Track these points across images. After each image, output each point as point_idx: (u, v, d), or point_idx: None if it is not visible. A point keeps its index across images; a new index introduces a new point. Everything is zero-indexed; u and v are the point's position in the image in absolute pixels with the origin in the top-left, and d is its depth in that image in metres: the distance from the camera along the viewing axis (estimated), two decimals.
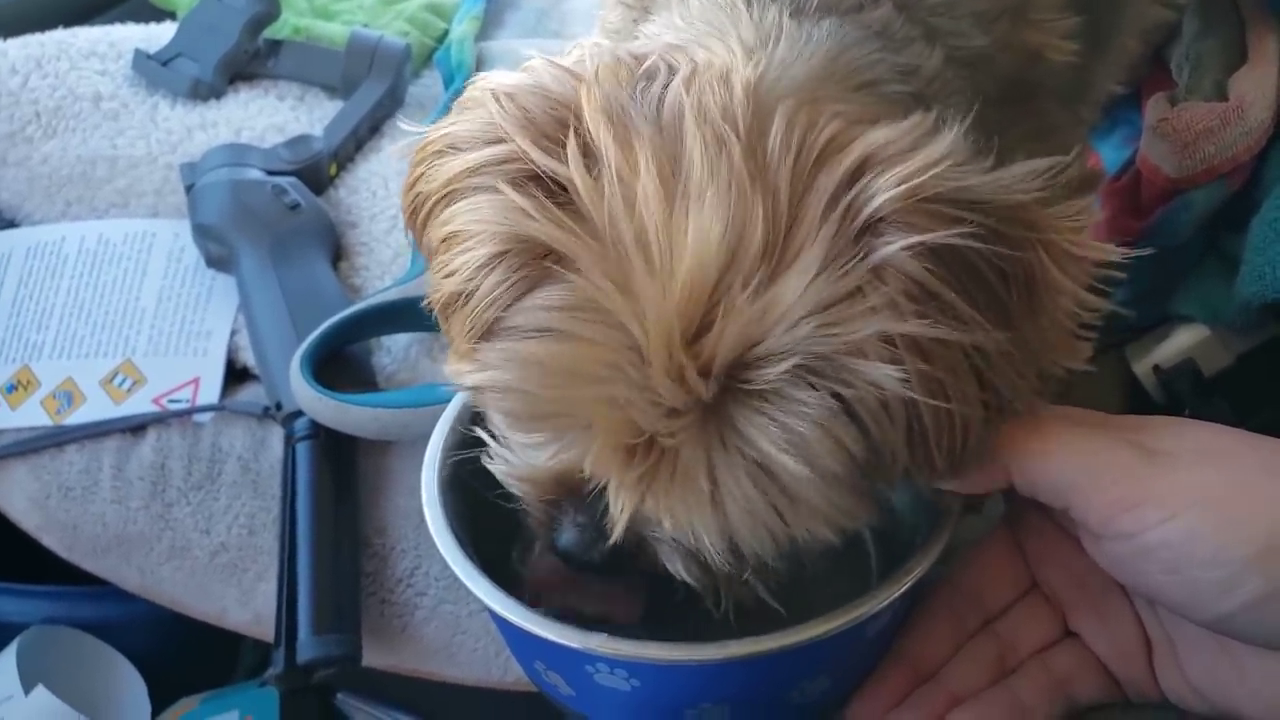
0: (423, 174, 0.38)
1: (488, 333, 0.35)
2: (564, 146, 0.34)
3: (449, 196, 0.36)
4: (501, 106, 0.36)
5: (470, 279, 0.35)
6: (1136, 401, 0.61)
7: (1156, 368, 0.60)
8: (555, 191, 0.34)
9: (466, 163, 0.36)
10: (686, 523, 0.35)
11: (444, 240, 0.37)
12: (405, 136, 0.40)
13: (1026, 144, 0.35)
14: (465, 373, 0.36)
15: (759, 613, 0.39)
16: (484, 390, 0.36)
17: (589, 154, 0.34)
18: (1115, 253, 0.36)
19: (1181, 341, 0.60)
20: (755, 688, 0.39)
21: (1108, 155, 0.67)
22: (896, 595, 0.38)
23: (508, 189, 0.34)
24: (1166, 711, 0.41)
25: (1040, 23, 0.44)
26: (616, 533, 0.36)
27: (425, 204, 0.38)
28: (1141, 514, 0.36)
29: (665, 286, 0.32)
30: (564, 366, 0.34)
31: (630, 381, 0.33)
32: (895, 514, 0.46)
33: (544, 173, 0.34)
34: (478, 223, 0.35)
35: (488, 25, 0.80)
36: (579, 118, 0.35)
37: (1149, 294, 0.62)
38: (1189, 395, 0.59)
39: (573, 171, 0.34)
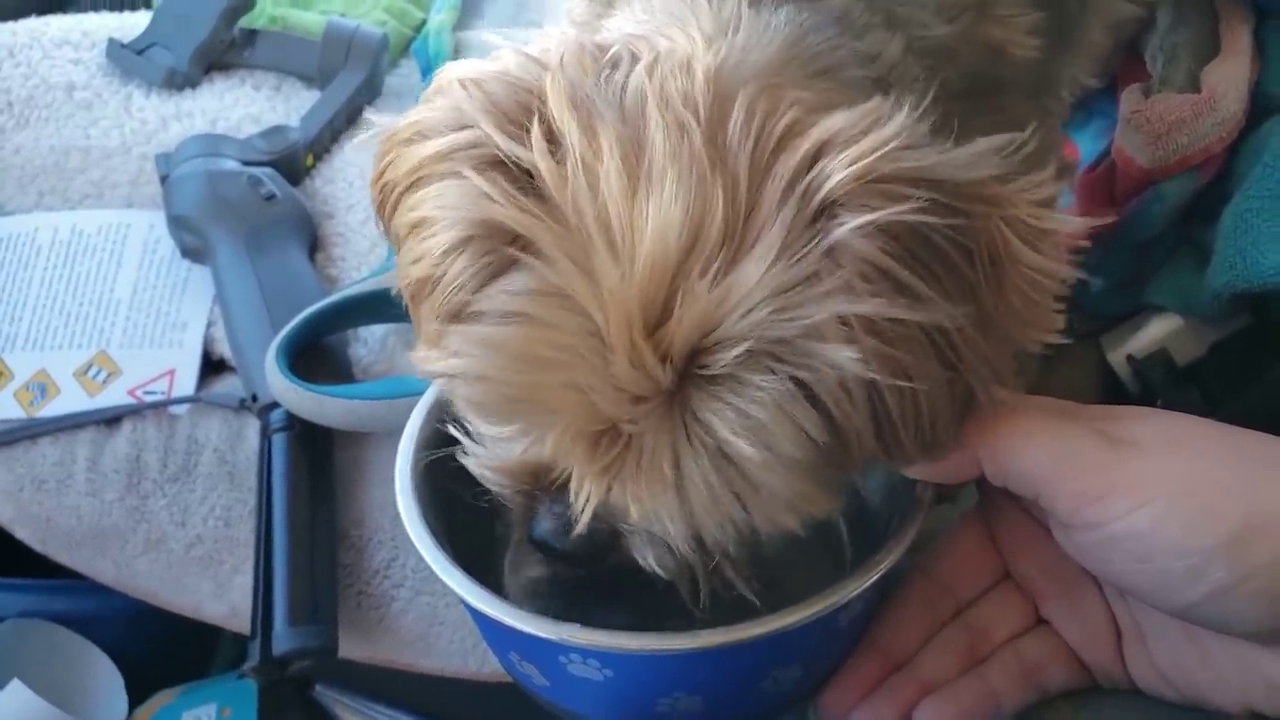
0: (390, 163, 0.38)
1: (454, 319, 0.35)
2: (528, 132, 0.34)
3: (416, 183, 0.36)
4: (468, 93, 0.36)
5: (437, 264, 0.35)
6: (1111, 391, 0.62)
7: (1130, 357, 0.61)
8: (520, 177, 0.35)
9: (434, 148, 0.36)
10: (652, 512, 0.35)
11: (411, 227, 0.37)
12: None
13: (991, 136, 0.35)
14: (432, 360, 0.36)
15: (734, 604, 0.39)
16: (450, 378, 0.36)
17: (553, 139, 0.34)
18: (1078, 223, 0.36)
19: (1155, 331, 0.61)
20: (728, 677, 0.39)
21: (1083, 147, 0.68)
22: (868, 584, 0.38)
23: (472, 174, 0.35)
24: (1136, 698, 0.42)
25: (1003, 18, 0.44)
26: (582, 523, 0.36)
27: (392, 192, 0.38)
28: (1109, 504, 0.36)
29: (626, 271, 0.33)
30: (527, 352, 0.34)
31: (592, 367, 0.33)
32: (868, 504, 0.46)
33: (508, 158, 0.35)
34: (443, 208, 0.35)
35: (466, 15, 0.80)
36: (544, 104, 0.35)
37: (1123, 284, 0.63)
38: (1162, 385, 0.60)
39: (536, 157, 0.34)
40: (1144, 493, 0.36)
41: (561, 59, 0.36)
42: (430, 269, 0.36)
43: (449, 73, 0.37)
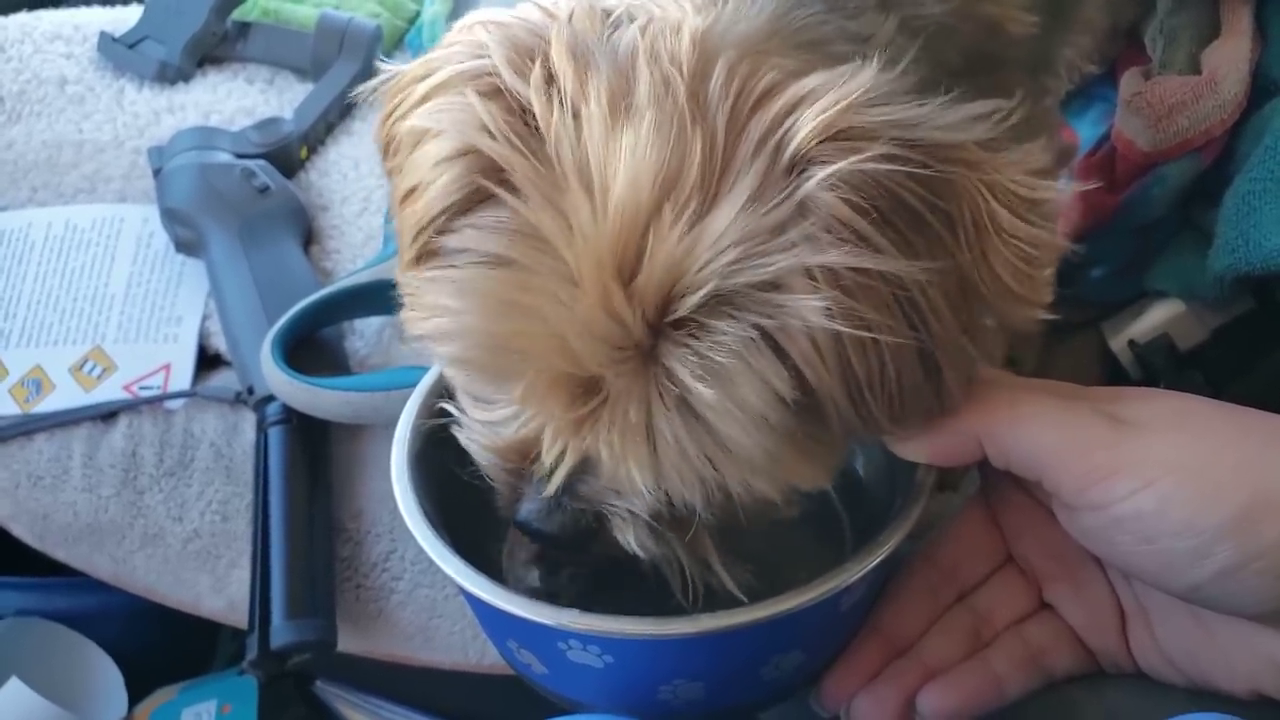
0: (401, 100, 0.38)
1: (431, 254, 0.36)
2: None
3: (422, 102, 0.37)
4: (489, 32, 0.37)
5: (426, 172, 0.36)
6: (1113, 377, 0.61)
7: (1132, 343, 0.61)
8: (516, 111, 0.35)
9: (446, 74, 0.36)
10: (621, 463, 0.34)
11: (408, 141, 0.37)
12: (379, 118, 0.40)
13: None
14: (415, 321, 0.36)
15: (729, 595, 0.39)
16: (432, 339, 0.36)
17: (550, 81, 0.35)
18: (1067, 192, 0.36)
19: (1157, 316, 0.60)
20: (729, 662, 0.38)
21: (1083, 132, 0.67)
22: (869, 568, 0.38)
23: (474, 98, 0.35)
24: (1140, 683, 0.41)
25: None
26: (556, 480, 0.36)
27: (401, 125, 0.38)
28: (1114, 484, 0.36)
29: (598, 213, 0.33)
30: (503, 297, 0.34)
31: (565, 312, 0.33)
32: (868, 489, 0.46)
33: (508, 90, 0.35)
34: (441, 122, 0.36)
35: (459, 7, 0.79)
36: (549, 48, 0.35)
37: (1125, 269, 0.62)
38: (1164, 370, 0.60)
39: (532, 92, 0.34)
40: (1149, 473, 0.35)
41: (571, 14, 0.36)
42: (419, 177, 0.36)
43: (473, 18, 0.38)
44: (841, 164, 0.32)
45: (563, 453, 0.35)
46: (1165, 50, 0.61)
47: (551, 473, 0.36)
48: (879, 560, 0.38)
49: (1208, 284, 0.56)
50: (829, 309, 0.32)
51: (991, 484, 0.43)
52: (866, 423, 0.35)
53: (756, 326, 0.32)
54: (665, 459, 0.34)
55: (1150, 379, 0.60)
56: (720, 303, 0.32)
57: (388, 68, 0.40)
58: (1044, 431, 0.37)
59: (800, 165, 0.33)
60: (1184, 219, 0.61)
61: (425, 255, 0.36)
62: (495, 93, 0.35)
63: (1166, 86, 0.57)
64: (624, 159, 0.33)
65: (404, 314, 0.37)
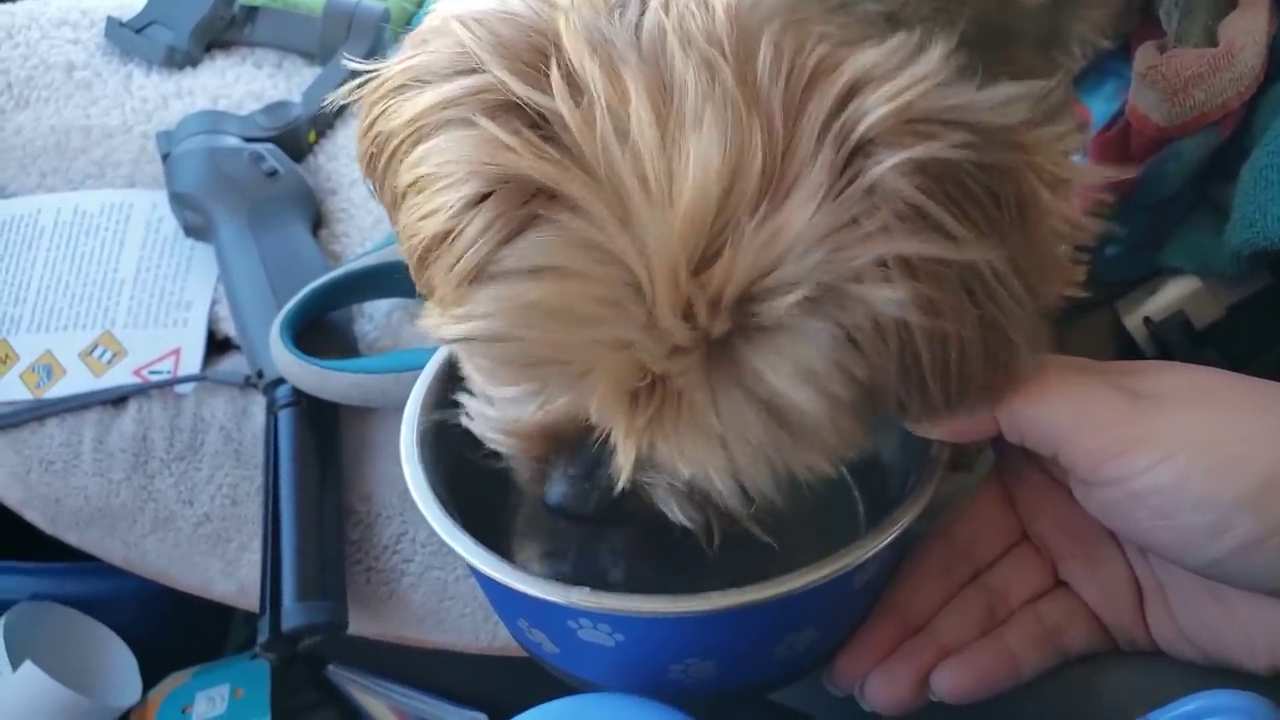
0: (382, 113, 0.36)
1: (473, 279, 0.34)
2: (545, 76, 0.33)
3: (417, 133, 0.35)
4: (471, 33, 0.34)
5: (454, 219, 0.34)
6: (1126, 355, 0.61)
7: (1147, 320, 0.60)
8: (536, 124, 0.33)
9: (438, 95, 0.34)
10: (699, 465, 0.34)
11: (414, 183, 0.35)
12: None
13: None
14: (449, 325, 0.35)
15: (747, 563, 0.38)
16: (472, 341, 0.35)
17: (573, 84, 0.33)
18: (1099, 173, 0.35)
19: (1172, 294, 0.60)
20: (741, 640, 0.38)
21: (1096, 109, 0.66)
22: (883, 545, 0.38)
23: (486, 122, 0.33)
24: (1158, 660, 0.41)
25: None
26: (622, 480, 0.35)
27: (388, 145, 0.36)
28: (1131, 458, 0.35)
29: (667, 217, 0.31)
30: (561, 308, 0.32)
31: (633, 320, 0.32)
32: (883, 468, 0.45)
33: (525, 104, 0.33)
34: (456, 161, 0.33)
35: None
36: (559, 46, 0.33)
37: (1139, 247, 0.62)
38: (1180, 347, 0.59)
39: (559, 102, 0.32)
40: (1166, 446, 0.35)
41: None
42: (446, 224, 0.34)
43: (444, 10, 0.35)
44: (917, 150, 0.31)
45: (629, 456, 0.34)
46: (1181, 23, 0.60)
47: (620, 468, 0.35)
48: (892, 537, 0.38)
49: (1224, 260, 0.55)
50: (902, 300, 0.31)
51: (1006, 461, 0.43)
52: (912, 404, 0.34)
53: (840, 324, 0.32)
54: (739, 456, 0.33)
55: (1165, 357, 0.59)
56: (811, 301, 0.32)
57: (362, 68, 0.37)
58: (1059, 406, 0.36)
59: (866, 150, 0.32)
60: (1200, 195, 0.60)
61: (462, 296, 0.34)
62: (506, 107, 0.33)
63: (1182, 59, 0.56)
64: (686, 158, 0.31)
65: (431, 317, 0.36)
